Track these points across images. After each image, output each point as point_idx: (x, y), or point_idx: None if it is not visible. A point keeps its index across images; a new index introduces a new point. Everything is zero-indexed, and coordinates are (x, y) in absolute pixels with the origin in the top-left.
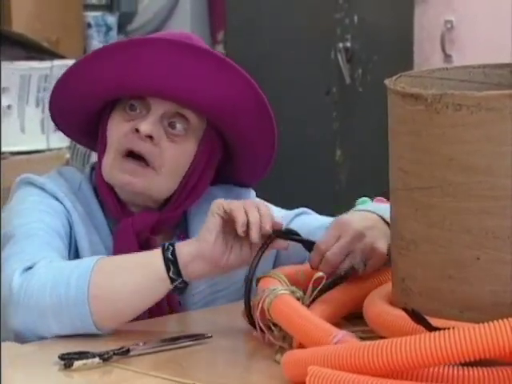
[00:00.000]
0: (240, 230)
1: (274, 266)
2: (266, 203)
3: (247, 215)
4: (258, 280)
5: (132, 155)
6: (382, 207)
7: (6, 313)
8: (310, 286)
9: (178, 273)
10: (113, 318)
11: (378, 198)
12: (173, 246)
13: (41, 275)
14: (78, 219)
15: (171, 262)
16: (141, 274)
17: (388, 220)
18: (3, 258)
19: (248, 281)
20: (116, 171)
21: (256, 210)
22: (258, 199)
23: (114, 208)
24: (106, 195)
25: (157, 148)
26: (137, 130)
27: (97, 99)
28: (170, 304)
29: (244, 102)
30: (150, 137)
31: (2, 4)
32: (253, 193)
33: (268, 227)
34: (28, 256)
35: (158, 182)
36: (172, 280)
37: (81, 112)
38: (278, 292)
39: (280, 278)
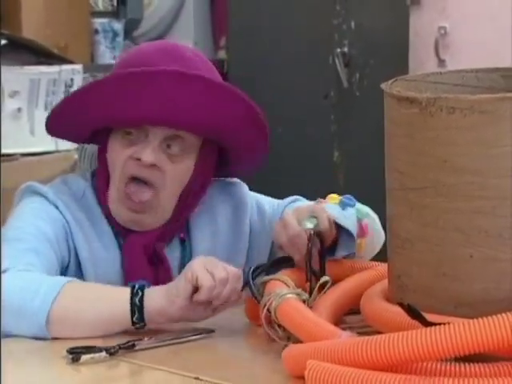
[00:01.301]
0: (200, 300)
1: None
2: (256, 195)
3: (215, 289)
4: (264, 283)
5: (134, 179)
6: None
7: None
8: (316, 290)
9: (142, 319)
10: (67, 336)
11: (319, 199)
12: (142, 292)
13: (11, 279)
14: (78, 229)
15: (137, 308)
16: (106, 309)
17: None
18: None
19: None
20: (122, 208)
21: (223, 287)
22: (251, 193)
23: (121, 227)
24: (112, 217)
25: (159, 172)
26: (139, 159)
27: (90, 128)
28: None
29: (238, 120)
30: (153, 164)
31: (3, 9)
32: (245, 187)
33: (230, 303)
34: (7, 259)
35: (161, 207)
36: (133, 323)
37: (76, 135)
38: (284, 295)
39: (285, 280)
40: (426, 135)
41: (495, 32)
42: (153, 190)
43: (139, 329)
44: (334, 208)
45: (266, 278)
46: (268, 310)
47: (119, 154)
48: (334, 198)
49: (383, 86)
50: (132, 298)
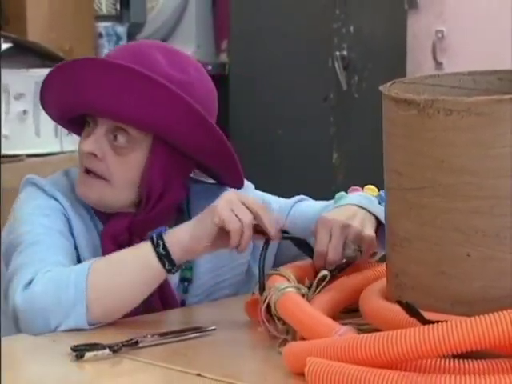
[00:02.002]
0: (232, 248)
1: (276, 257)
2: (263, 194)
3: (243, 231)
4: (267, 276)
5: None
6: (356, 197)
7: (17, 327)
8: (315, 283)
9: (172, 263)
10: (108, 316)
11: (353, 187)
12: (162, 239)
13: (42, 283)
14: (76, 218)
15: (164, 256)
16: (136, 272)
17: (364, 206)
18: (14, 267)
19: (261, 277)
20: (78, 184)
21: (250, 230)
22: (258, 191)
23: (98, 215)
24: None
25: (103, 162)
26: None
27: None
28: (174, 296)
29: (177, 119)
30: (94, 154)
31: (9, 12)
32: (251, 186)
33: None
34: (33, 265)
35: (110, 193)
36: (168, 270)
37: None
38: (284, 289)
39: (287, 275)
40: (424, 136)
41: (492, 35)
42: (101, 179)
43: (174, 273)
44: (374, 201)
45: (271, 271)
46: (268, 303)
47: (80, 145)
48: (372, 190)
49: (382, 88)
50: (156, 250)
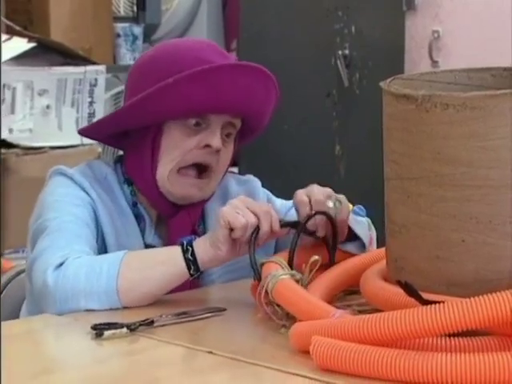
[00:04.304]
0: (236, 237)
1: (276, 247)
2: (269, 193)
3: (248, 229)
4: (261, 265)
5: (193, 165)
6: None
7: (42, 305)
8: (308, 268)
9: (197, 270)
10: (137, 303)
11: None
12: (192, 246)
13: (74, 267)
14: (103, 207)
15: (191, 262)
16: (164, 270)
17: None
18: (38, 250)
19: (254, 265)
20: (177, 185)
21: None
22: (264, 189)
23: (165, 207)
24: (155, 198)
25: (217, 156)
26: (208, 146)
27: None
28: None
29: (273, 103)
30: (219, 150)
31: (34, 14)
32: (259, 183)
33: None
34: (60, 250)
35: (211, 188)
36: (191, 275)
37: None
38: (279, 276)
39: (281, 262)
40: (422, 129)
41: (485, 36)
42: (206, 178)
43: (197, 278)
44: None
45: (263, 260)
46: (266, 290)
47: (183, 143)
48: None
49: (382, 84)
50: (184, 255)
